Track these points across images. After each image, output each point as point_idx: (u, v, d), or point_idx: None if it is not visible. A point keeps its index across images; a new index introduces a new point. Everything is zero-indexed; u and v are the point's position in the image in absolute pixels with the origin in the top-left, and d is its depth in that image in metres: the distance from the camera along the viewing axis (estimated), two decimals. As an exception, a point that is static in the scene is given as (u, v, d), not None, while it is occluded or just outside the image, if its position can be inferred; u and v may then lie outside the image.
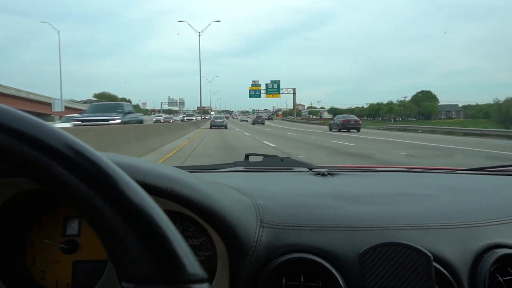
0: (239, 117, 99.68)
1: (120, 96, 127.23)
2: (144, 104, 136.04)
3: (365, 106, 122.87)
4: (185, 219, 0.61)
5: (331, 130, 26.56)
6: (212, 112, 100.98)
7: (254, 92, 59.02)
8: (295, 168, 1.20)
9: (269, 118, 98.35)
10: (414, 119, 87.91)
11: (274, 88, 58.22)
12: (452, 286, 0.56)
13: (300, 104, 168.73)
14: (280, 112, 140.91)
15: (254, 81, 60.10)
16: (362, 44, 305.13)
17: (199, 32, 41.52)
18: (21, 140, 0.28)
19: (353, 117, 27.09)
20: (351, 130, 24.67)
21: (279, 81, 58.97)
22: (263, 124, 43.66)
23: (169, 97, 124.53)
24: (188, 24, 41.77)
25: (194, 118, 44.79)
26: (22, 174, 0.30)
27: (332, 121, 28.78)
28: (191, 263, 0.31)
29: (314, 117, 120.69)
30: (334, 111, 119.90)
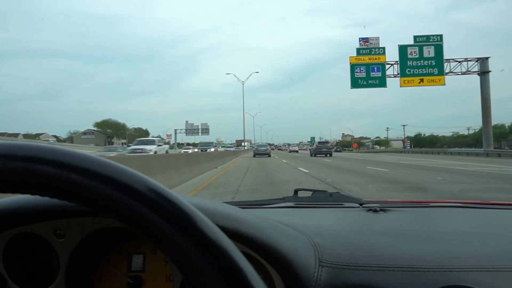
0: (290, 148, 72.50)
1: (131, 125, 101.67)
2: (169, 136, 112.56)
3: (464, 132, 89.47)
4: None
5: None
6: (245, 144, 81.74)
7: (367, 69, 23.65)
8: (345, 203, 1.19)
9: (337, 150, 69.45)
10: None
11: (428, 59, 22.36)
12: None
13: (348, 135, 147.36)
14: (354, 142, 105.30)
15: (364, 40, 23.75)
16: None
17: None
18: (110, 185, 0.31)
19: None
20: None
21: (439, 37, 22.72)
22: (330, 155, 30.63)
23: (187, 121, 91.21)
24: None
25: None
26: (110, 216, 0.33)
27: None
28: None
29: (379, 147, 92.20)
30: (417, 140, 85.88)
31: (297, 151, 56.06)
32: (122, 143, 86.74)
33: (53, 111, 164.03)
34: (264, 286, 0.33)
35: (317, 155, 31.20)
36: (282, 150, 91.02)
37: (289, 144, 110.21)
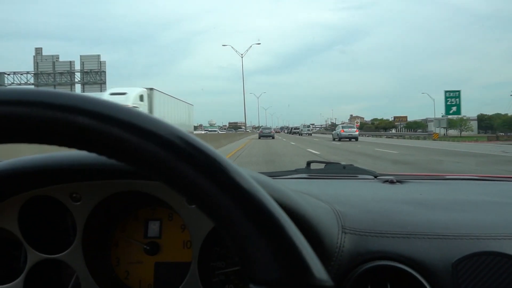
0: (341, 131, 29.16)
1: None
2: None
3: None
4: None
5: None
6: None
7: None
8: (359, 175, 1.19)
9: None
10: None
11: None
12: None
13: (358, 117, 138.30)
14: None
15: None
16: (395, 59, 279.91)
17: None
18: (153, 141, 0.29)
19: None
20: None
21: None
22: None
23: (38, 52, 31.36)
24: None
25: None
26: (150, 174, 0.31)
27: None
28: (318, 268, 0.30)
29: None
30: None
31: (355, 138, 27.56)
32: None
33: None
34: (317, 259, 0.32)
35: None
36: (301, 134, 57.57)
37: (307, 126, 63.97)
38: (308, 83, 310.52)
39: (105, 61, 31.95)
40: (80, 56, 31.83)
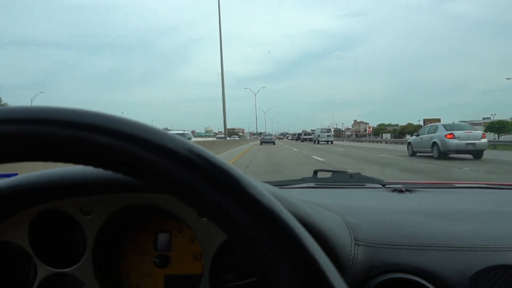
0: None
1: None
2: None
3: None
4: None
5: None
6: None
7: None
8: (367, 184, 1.17)
9: None
10: None
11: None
12: None
13: (362, 122, 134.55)
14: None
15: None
16: (394, 64, 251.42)
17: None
18: (173, 160, 0.29)
19: None
20: None
21: None
22: None
23: None
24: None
25: None
26: (168, 192, 0.30)
27: None
28: (339, 282, 0.30)
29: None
30: None
31: (476, 153, 12.50)
32: None
33: (44, 101, 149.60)
34: (339, 274, 0.31)
35: None
36: (316, 142, 41.01)
37: (327, 131, 43.30)
38: (307, 90, 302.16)
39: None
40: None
